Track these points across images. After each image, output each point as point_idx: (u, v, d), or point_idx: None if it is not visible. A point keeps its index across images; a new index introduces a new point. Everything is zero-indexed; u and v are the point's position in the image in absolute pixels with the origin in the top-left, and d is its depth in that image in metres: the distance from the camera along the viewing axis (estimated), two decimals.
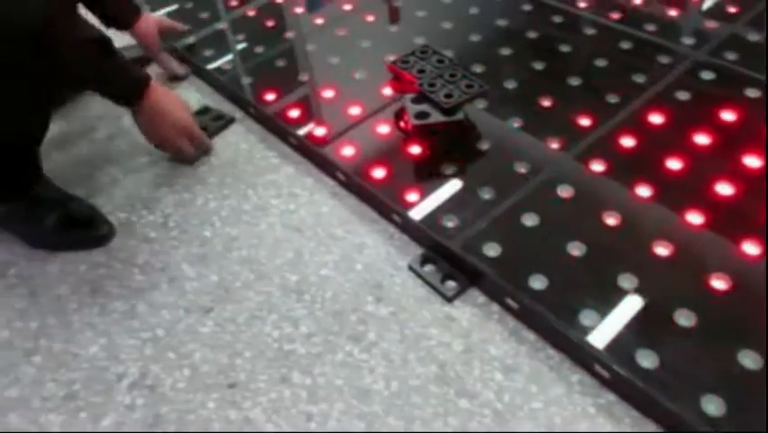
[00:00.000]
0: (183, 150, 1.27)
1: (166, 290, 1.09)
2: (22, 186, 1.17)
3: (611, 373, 0.87)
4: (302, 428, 0.88)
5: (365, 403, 0.90)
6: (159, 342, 1.01)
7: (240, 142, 1.36)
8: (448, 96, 1.16)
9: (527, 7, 1.52)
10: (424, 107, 1.16)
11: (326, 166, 1.23)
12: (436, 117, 1.15)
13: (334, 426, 0.88)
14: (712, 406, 0.80)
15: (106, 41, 1.11)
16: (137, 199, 1.26)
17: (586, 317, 0.91)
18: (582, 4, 1.50)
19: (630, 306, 0.92)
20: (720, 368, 0.84)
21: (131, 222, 1.21)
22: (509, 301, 0.97)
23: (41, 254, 1.17)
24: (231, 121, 1.39)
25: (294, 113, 1.31)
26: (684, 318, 0.89)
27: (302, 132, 1.26)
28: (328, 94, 1.35)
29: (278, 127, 1.32)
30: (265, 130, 1.37)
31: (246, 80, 1.42)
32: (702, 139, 1.14)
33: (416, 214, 1.08)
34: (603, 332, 0.89)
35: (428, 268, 1.06)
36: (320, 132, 1.26)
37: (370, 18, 1.56)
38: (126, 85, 1.19)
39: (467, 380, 0.92)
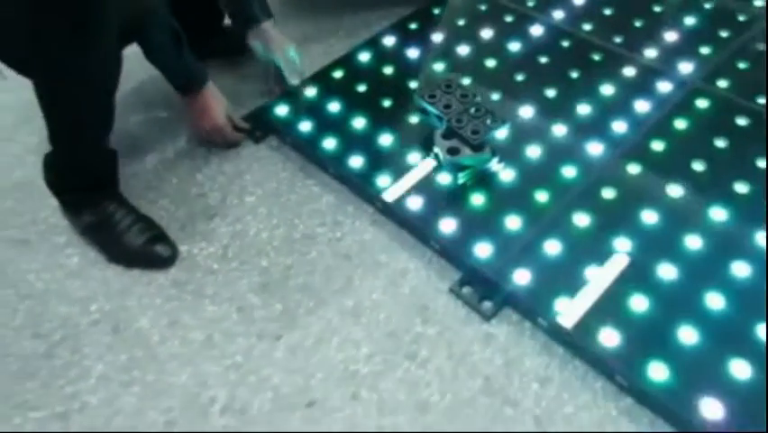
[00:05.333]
0: (213, 142, 1.52)
1: (237, 320, 1.24)
2: (103, 191, 1.35)
3: (631, 383, 1.05)
4: None
5: (428, 414, 1.08)
6: (240, 368, 1.17)
7: (279, 171, 1.49)
8: (475, 132, 1.30)
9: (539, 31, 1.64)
10: (454, 143, 1.30)
11: (365, 195, 1.38)
12: (465, 152, 1.29)
13: None
14: (710, 409, 0.99)
15: (181, 35, 1.32)
16: (194, 231, 1.39)
17: (608, 336, 1.08)
18: (587, 27, 1.63)
19: (645, 325, 1.09)
20: (718, 375, 1.02)
21: (192, 254, 1.36)
22: (540, 320, 1.14)
23: (117, 285, 1.32)
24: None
25: (330, 142, 1.45)
26: (685, 335, 1.07)
27: (343, 164, 1.40)
28: (360, 122, 1.48)
29: (318, 159, 1.45)
30: (302, 158, 1.50)
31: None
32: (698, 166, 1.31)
33: (453, 240, 1.24)
34: (621, 347, 1.07)
35: (466, 290, 1.22)
36: (358, 162, 1.40)
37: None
38: (182, 79, 1.40)
39: (509, 390, 1.09)
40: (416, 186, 1.33)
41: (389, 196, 1.32)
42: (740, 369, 1.03)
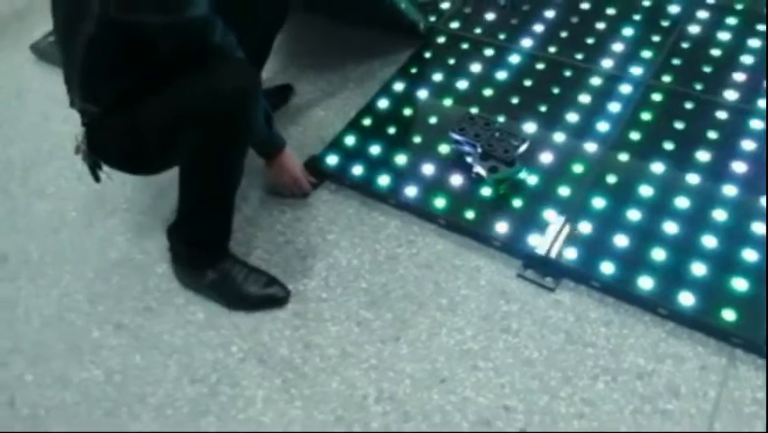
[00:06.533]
0: (291, 192, 1.82)
1: (360, 332, 1.56)
2: (221, 250, 1.63)
3: (669, 310, 1.45)
4: (502, 396, 1.41)
5: (533, 368, 1.44)
6: (377, 368, 1.49)
7: (345, 209, 1.81)
8: (506, 151, 1.67)
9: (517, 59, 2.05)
10: (491, 163, 1.67)
11: (427, 216, 1.72)
12: (502, 168, 1.66)
13: (522, 389, 1.41)
14: (730, 315, 1.41)
15: (270, 113, 1.64)
16: (294, 271, 1.69)
17: (644, 282, 1.48)
18: (552, 49, 2.04)
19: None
20: (727, 292, 1.44)
21: (300, 290, 1.66)
22: (593, 283, 1.53)
23: (247, 327, 1.60)
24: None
25: (384, 179, 1.78)
26: (697, 268, 1.49)
27: (400, 195, 1.74)
28: (402, 159, 1.83)
29: (376, 194, 1.78)
30: (360, 195, 1.83)
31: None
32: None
33: (509, 237, 1.61)
34: (655, 288, 1.47)
35: (529, 272, 1.59)
36: (413, 191, 1.74)
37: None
38: (270, 146, 1.70)
39: (585, 336, 1.48)
40: (468, 202, 1.69)
41: (448, 215, 1.68)
42: (740, 284, 1.45)
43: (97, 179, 1.63)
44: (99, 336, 1.66)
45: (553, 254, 1.55)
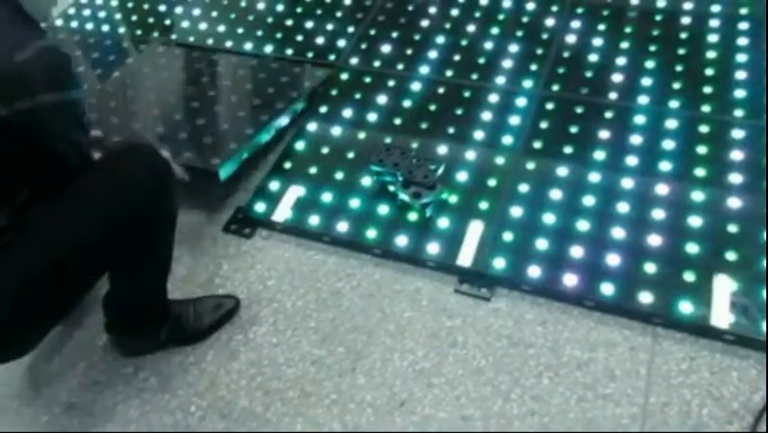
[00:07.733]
0: None
1: (316, 370, 1.61)
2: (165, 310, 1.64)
3: (594, 302, 1.60)
4: (459, 407, 1.50)
5: (483, 376, 1.54)
6: (337, 402, 1.55)
7: (282, 253, 1.86)
8: (426, 176, 1.78)
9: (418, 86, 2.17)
10: (414, 189, 1.77)
11: (361, 248, 1.80)
12: (425, 193, 1.77)
13: (477, 397, 1.51)
14: (647, 297, 1.57)
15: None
16: (241, 321, 1.72)
17: (569, 279, 1.62)
18: (449, 73, 2.18)
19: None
20: (639, 277, 1.61)
21: (250, 339, 1.69)
22: (524, 287, 1.66)
23: (202, 384, 1.61)
24: None
25: (315, 219, 1.85)
26: (611, 259, 1.65)
27: (333, 231, 1.81)
28: (328, 196, 1.90)
29: (310, 234, 1.84)
30: (294, 237, 1.88)
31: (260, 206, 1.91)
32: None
33: (441, 256, 1.72)
34: (579, 283, 1.62)
35: (465, 286, 1.70)
36: (344, 226, 1.82)
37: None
38: None
39: (525, 338, 1.59)
40: (398, 229, 1.78)
41: (382, 245, 1.77)
42: (650, 268, 1.62)
43: None
44: (49, 420, 1.62)
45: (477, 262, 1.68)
